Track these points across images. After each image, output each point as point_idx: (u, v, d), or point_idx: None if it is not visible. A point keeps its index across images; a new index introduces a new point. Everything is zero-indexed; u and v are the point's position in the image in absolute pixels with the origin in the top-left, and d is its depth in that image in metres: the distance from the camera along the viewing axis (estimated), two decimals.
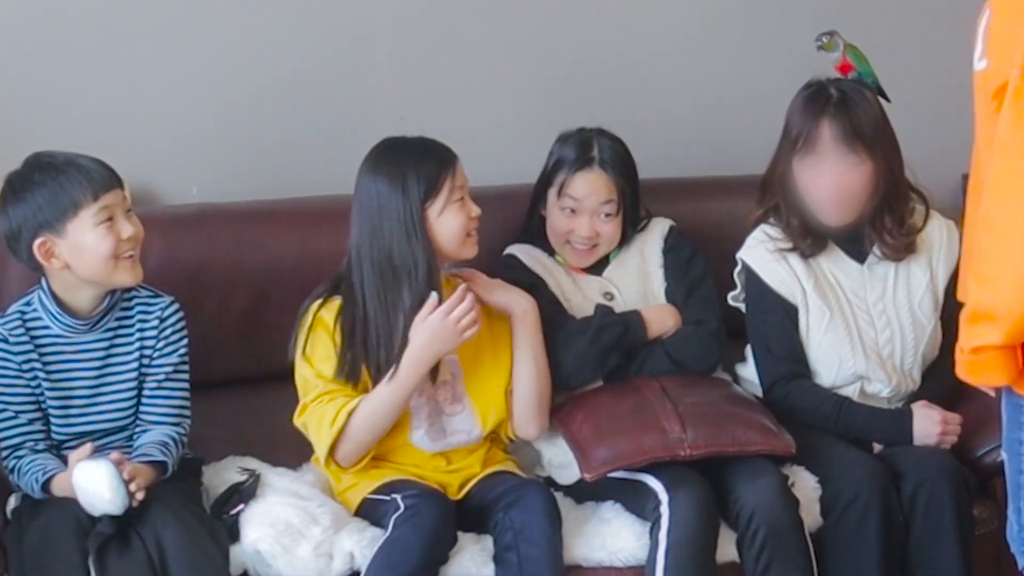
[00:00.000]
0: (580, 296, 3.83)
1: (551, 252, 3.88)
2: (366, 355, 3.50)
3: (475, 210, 3.57)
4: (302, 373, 3.55)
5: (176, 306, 3.51)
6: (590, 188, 3.77)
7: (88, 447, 3.24)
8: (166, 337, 3.49)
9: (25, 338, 3.39)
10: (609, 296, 3.84)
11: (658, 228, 3.91)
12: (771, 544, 3.37)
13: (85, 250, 3.33)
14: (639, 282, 3.86)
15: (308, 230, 3.93)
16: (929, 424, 3.64)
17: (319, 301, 3.56)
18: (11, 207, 3.34)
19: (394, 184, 3.48)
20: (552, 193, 3.81)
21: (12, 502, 3.39)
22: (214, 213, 3.94)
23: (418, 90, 4.28)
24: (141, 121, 4.02)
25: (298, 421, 3.54)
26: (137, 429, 3.47)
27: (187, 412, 3.50)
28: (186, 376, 3.51)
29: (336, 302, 3.54)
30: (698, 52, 4.53)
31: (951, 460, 3.59)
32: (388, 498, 3.41)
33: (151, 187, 4.02)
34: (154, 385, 3.47)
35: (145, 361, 3.47)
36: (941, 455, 3.60)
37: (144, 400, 3.46)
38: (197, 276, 3.75)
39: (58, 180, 3.31)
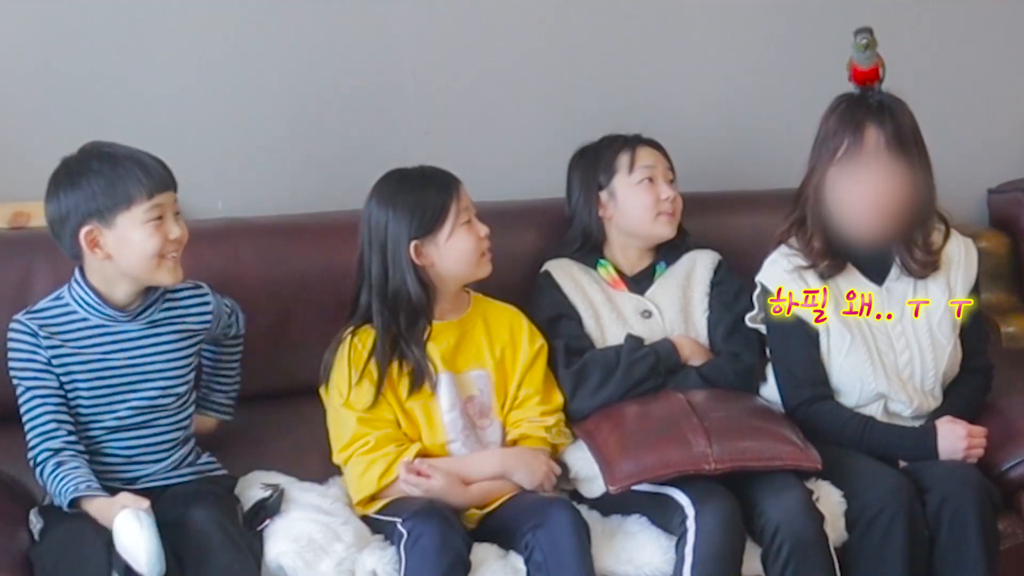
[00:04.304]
0: (615, 314, 3.85)
1: (593, 264, 3.91)
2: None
3: (483, 230, 3.65)
4: (333, 405, 3.63)
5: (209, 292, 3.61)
6: (654, 157, 3.90)
7: (146, 502, 3.22)
8: (224, 320, 3.61)
9: (55, 331, 3.40)
10: (647, 314, 3.86)
11: (708, 258, 3.96)
12: (796, 559, 3.35)
13: (131, 245, 3.35)
14: (681, 302, 3.89)
15: (333, 245, 3.91)
16: (954, 439, 3.62)
17: (350, 331, 3.64)
18: (63, 191, 3.35)
19: (398, 216, 3.59)
20: (620, 179, 3.88)
21: (36, 521, 3.37)
22: (239, 228, 3.94)
23: (442, 105, 4.29)
24: (166, 135, 4.00)
25: (339, 458, 3.61)
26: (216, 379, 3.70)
27: None
28: None
29: (370, 333, 3.61)
30: (723, 68, 4.52)
31: (976, 474, 3.57)
32: (389, 520, 3.42)
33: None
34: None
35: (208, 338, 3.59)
36: (966, 469, 3.58)
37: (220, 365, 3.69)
38: (222, 290, 3.72)
39: (116, 171, 3.34)
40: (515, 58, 4.36)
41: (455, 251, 3.60)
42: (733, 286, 3.89)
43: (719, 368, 3.80)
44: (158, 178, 3.37)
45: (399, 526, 3.35)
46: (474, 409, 3.65)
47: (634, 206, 3.87)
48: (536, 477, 3.58)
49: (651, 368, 3.74)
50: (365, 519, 3.51)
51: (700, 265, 3.94)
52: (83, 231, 3.34)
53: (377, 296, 3.60)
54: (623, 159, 3.88)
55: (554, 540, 3.34)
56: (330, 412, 3.64)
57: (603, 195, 3.89)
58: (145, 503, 3.20)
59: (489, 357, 3.69)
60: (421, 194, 3.60)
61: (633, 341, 3.78)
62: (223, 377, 3.71)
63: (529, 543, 3.37)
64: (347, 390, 3.57)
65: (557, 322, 3.81)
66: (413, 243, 3.57)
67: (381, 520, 3.47)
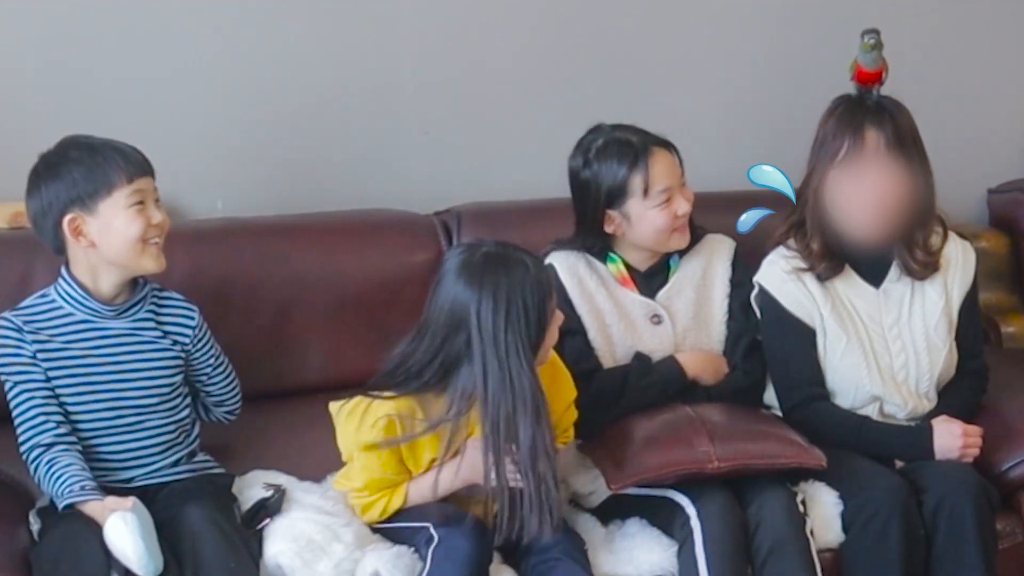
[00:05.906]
0: (623, 323, 3.74)
1: (602, 258, 3.79)
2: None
3: (560, 315, 3.41)
4: (348, 449, 3.45)
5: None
6: (668, 166, 3.71)
7: (129, 501, 3.20)
8: (200, 337, 3.56)
9: (40, 327, 3.41)
10: (656, 319, 3.77)
11: (725, 250, 3.87)
12: (774, 558, 3.36)
13: (114, 231, 3.35)
14: (695, 306, 3.80)
15: (333, 245, 3.93)
16: (950, 438, 3.61)
17: (390, 411, 3.35)
18: (44, 183, 3.37)
19: (501, 315, 3.25)
20: (634, 203, 3.68)
21: (34, 522, 3.37)
22: (239, 228, 3.95)
23: (442, 105, 4.30)
24: (166, 135, 4.02)
25: (337, 484, 3.51)
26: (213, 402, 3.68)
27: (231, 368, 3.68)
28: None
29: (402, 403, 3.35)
30: (724, 68, 4.53)
31: (973, 474, 3.56)
32: (419, 525, 3.34)
33: (176, 201, 4.02)
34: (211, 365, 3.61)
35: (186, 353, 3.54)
36: (963, 469, 3.58)
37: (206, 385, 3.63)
38: (221, 291, 3.75)
39: (95, 159, 3.35)
40: (515, 58, 4.36)
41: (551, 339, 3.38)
42: (748, 288, 3.79)
43: (735, 388, 3.74)
44: (137, 163, 3.38)
45: (432, 530, 3.29)
46: None
47: (651, 228, 3.71)
48: None
49: (658, 394, 3.67)
50: (391, 529, 3.44)
51: (718, 259, 3.84)
52: (66, 219, 3.35)
53: (436, 372, 3.30)
54: (636, 181, 3.67)
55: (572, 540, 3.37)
56: (343, 448, 3.47)
57: (613, 213, 3.71)
58: (128, 502, 3.19)
59: None
60: (529, 300, 3.27)
61: (640, 367, 3.71)
62: (219, 385, 3.67)
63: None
64: (374, 467, 3.39)
65: (561, 338, 3.57)
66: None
67: (395, 528, 3.41)
